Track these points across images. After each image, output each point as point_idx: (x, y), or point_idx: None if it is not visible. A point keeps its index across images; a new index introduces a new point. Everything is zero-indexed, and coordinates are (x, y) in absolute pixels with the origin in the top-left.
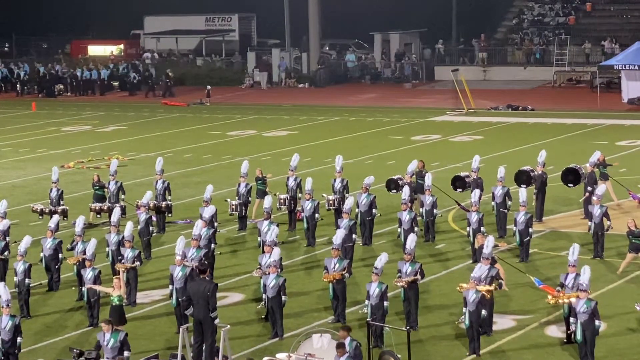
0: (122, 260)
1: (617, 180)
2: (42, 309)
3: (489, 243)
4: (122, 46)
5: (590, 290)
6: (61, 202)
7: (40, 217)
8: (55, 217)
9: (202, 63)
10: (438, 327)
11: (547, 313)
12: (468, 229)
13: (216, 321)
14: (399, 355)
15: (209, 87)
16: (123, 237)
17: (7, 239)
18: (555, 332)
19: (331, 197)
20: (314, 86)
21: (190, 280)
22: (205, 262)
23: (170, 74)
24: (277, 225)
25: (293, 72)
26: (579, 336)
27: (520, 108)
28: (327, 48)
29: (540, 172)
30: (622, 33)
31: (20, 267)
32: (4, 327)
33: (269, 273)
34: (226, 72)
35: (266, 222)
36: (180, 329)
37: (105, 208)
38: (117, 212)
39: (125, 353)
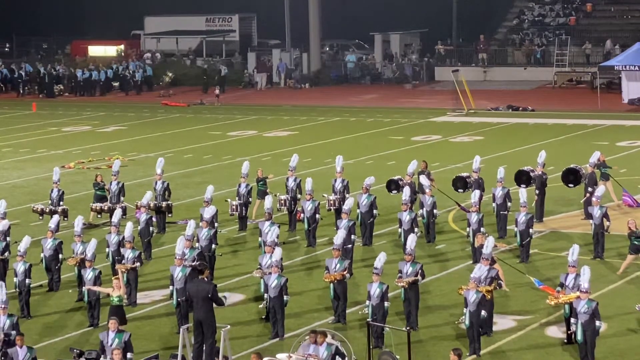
0: (123, 261)
1: (618, 180)
2: (42, 309)
3: (488, 243)
4: (122, 46)
5: (591, 291)
6: (61, 203)
7: (41, 217)
8: (56, 217)
9: (202, 63)
10: (438, 328)
11: (548, 313)
12: (468, 229)
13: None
14: (398, 356)
15: (217, 89)
16: (123, 238)
17: (8, 239)
18: (556, 332)
19: (332, 197)
20: (312, 86)
21: (190, 280)
22: (204, 262)
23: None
24: (279, 226)
25: (293, 72)
26: (579, 336)
27: (520, 109)
28: (327, 48)
29: (540, 172)
30: (623, 34)
31: (20, 267)
32: (2, 326)
33: (270, 273)
34: (227, 72)
35: (267, 223)
36: (181, 329)
37: (105, 208)
38: (118, 212)
39: (128, 355)
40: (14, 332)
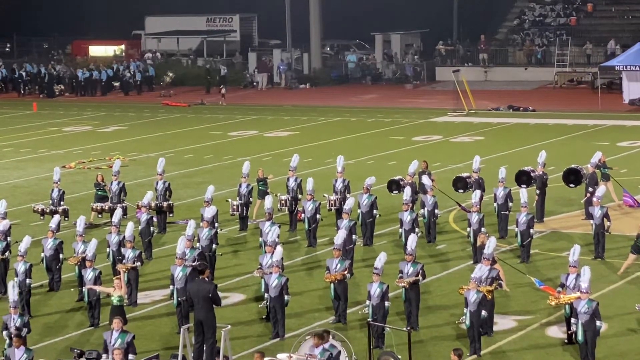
0: (123, 261)
1: (618, 181)
2: (42, 309)
3: (490, 244)
4: (122, 47)
5: (591, 291)
6: (62, 203)
7: (41, 217)
8: (56, 217)
9: (203, 63)
10: (439, 328)
11: (548, 314)
12: (468, 229)
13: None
14: (399, 356)
15: (223, 89)
16: (124, 238)
17: (8, 239)
18: (556, 332)
19: (332, 197)
20: (313, 86)
21: (190, 280)
22: (205, 262)
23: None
24: (279, 226)
25: (287, 71)
26: (580, 337)
27: (521, 109)
28: (327, 48)
29: (540, 172)
30: (624, 34)
31: (20, 267)
32: (14, 324)
33: (271, 273)
34: (227, 72)
35: (268, 223)
36: (181, 329)
37: (106, 208)
38: (118, 212)
39: (130, 356)
40: (25, 329)
